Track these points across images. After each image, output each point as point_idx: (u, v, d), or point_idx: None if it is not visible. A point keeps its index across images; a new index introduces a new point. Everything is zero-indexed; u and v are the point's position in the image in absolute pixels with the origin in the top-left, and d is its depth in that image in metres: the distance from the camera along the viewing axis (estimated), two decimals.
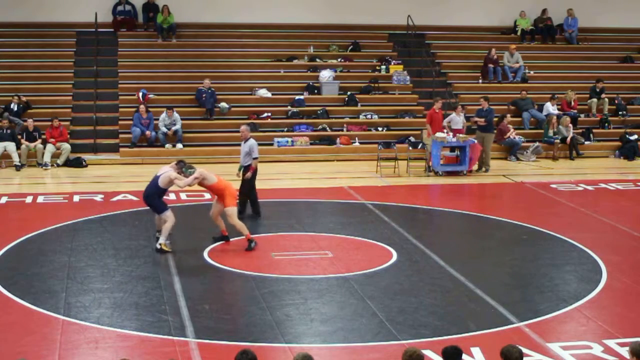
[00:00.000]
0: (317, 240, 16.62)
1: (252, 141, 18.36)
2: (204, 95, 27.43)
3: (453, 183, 23.26)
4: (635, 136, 28.26)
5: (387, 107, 29.11)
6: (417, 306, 12.78)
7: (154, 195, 15.66)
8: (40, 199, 20.32)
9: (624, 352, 10.70)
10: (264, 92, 28.68)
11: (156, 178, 15.65)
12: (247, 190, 18.35)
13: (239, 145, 26.31)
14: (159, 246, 15.44)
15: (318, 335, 11.65)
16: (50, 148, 24.91)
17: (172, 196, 19.67)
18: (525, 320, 12.14)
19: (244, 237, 15.84)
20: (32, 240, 16.46)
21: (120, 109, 27.50)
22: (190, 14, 30.91)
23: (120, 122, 26.89)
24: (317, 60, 30.64)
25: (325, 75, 29.31)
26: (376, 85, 29.70)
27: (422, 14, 31.77)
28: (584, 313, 12.57)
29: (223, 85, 28.66)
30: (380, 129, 27.94)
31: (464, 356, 7.97)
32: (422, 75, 30.74)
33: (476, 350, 10.86)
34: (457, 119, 25.14)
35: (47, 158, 24.77)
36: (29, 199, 20.33)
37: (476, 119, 25.08)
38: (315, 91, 29.14)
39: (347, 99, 28.91)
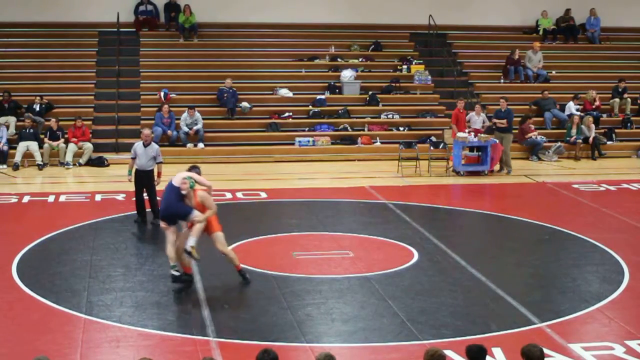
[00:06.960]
0: (338, 239, 16.62)
1: (156, 145, 18.14)
2: (225, 95, 27.48)
3: (474, 183, 23.20)
4: None
5: (408, 106, 29.07)
6: (438, 306, 12.76)
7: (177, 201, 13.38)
8: (62, 198, 20.40)
9: None
10: (285, 92, 28.69)
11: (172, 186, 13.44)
12: (154, 195, 17.82)
13: (261, 145, 26.86)
14: (189, 249, 13.28)
15: (339, 335, 11.64)
16: (72, 147, 25.00)
17: None
18: (546, 320, 12.09)
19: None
20: (54, 239, 16.54)
21: (142, 109, 27.59)
22: (212, 14, 30.97)
23: (142, 122, 26.90)
24: (339, 59, 30.64)
25: (347, 74, 29.29)
26: (397, 85, 29.66)
27: (443, 14, 31.71)
28: (606, 314, 12.50)
29: (244, 85, 28.70)
30: (401, 128, 27.90)
31: None
32: (444, 75, 30.68)
33: (497, 351, 10.83)
34: (476, 119, 25.17)
35: (69, 157, 24.87)
36: (51, 198, 20.42)
37: (495, 120, 25.03)
38: (337, 91, 29.14)
39: (368, 98, 28.88)
